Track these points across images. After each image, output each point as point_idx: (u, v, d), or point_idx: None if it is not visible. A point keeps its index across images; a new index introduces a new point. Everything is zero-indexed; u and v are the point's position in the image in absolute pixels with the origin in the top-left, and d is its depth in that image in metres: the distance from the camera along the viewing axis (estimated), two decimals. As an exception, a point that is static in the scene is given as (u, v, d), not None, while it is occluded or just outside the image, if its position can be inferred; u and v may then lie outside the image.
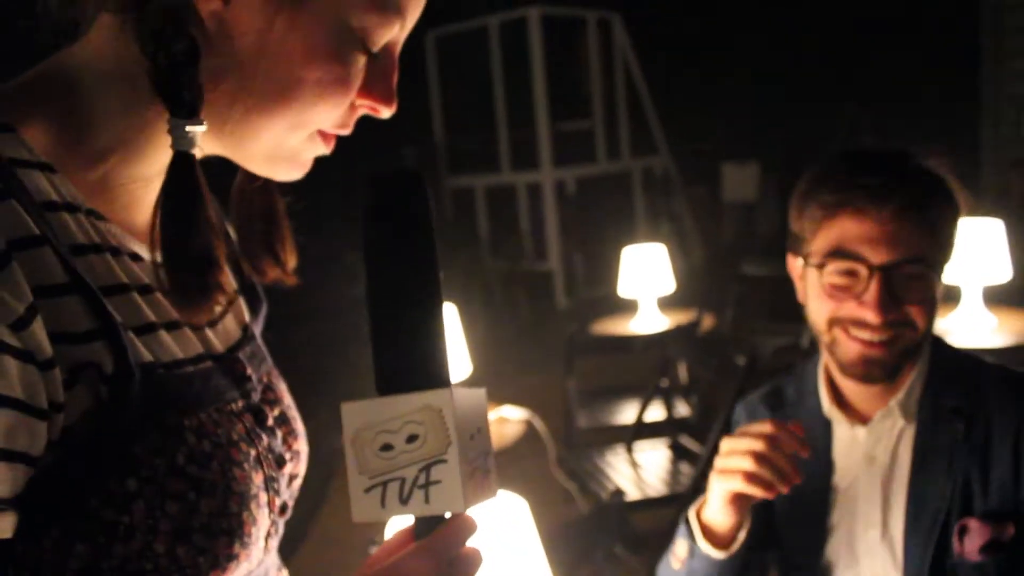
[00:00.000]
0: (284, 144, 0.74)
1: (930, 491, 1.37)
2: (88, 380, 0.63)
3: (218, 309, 0.80)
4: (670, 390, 3.68)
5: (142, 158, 0.72)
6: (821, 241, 1.38)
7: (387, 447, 0.63)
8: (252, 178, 0.83)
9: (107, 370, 0.64)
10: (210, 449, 0.69)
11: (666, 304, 4.47)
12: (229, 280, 0.72)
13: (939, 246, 1.36)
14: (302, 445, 0.87)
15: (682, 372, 3.98)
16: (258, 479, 0.74)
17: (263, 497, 0.75)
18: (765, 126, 9.94)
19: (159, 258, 0.69)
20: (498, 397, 5.64)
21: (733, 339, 4.43)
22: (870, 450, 1.44)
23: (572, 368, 3.82)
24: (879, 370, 1.36)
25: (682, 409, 3.75)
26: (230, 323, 0.84)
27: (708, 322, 4.44)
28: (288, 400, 0.88)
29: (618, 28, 9.18)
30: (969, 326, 3.37)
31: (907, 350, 1.37)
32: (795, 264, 1.46)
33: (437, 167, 9.39)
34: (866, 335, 1.35)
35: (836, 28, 9.29)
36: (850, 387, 1.44)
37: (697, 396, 3.77)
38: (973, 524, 1.32)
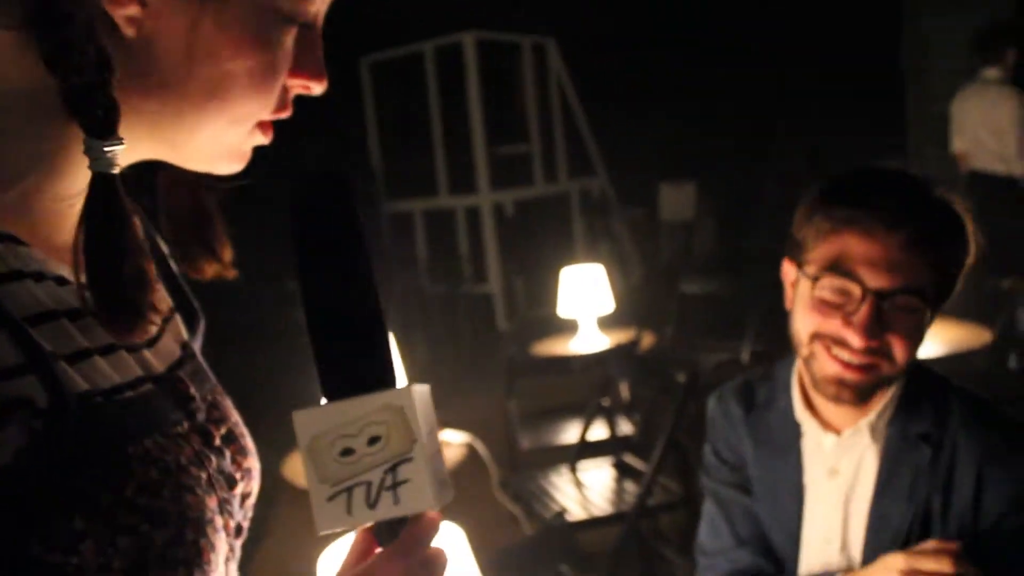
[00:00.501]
0: (223, 141, 0.72)
1: (892, 513, 1.38)
2: (20, 417, 0.59)
3: (153, 328, 0.77)
4: (612, 409, 3.69)
5: (62, 177, 0.70)
6: (821, 253, 1.36)
7: (347, 451, 0.61)
8: (178, 173, 0.80)
9: (40, 404, 0.60)
10: (159, 476, 0.66)
11: (606, 323, 4.48)
12: (162, 298, 0.70)
13: (940, 284, 1.34)
14: (253, 463, 0.84)
15: (624, 391, 3.98)
16: (212, 503, 0.72)
17: (218, 521, 0.72)
18: (700, 146, 10.08)
19: (83, 282, 0.66)
20: (440, 422, 5.60)
21: (673, 357, 4.46)
22: (834, 463, 1.44)
23: (512, 390, 3.81)
24: (850, 393, 1.36)
25: (625, 427, 3.75)
26: (168, 342, 0.81)
27: (648, 340, 4.46)
28: (235, 417, 0.85)
29: (552, 52, 9.24)
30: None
31: (882, 380, 1.36)
32: (789, 270, 1.45)
33: (375, 192, 9.34)
34: (845, 356, 1.34)
35: (767, 49, 9.46)
36: (821, 399, 1.44)
37: (640, 414, 3.78)
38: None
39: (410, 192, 9.14)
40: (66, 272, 0.70)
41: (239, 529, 0.79)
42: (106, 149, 0.64)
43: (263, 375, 5.03)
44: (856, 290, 1.32)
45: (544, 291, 4.81)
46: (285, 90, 0.73)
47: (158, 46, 0.66)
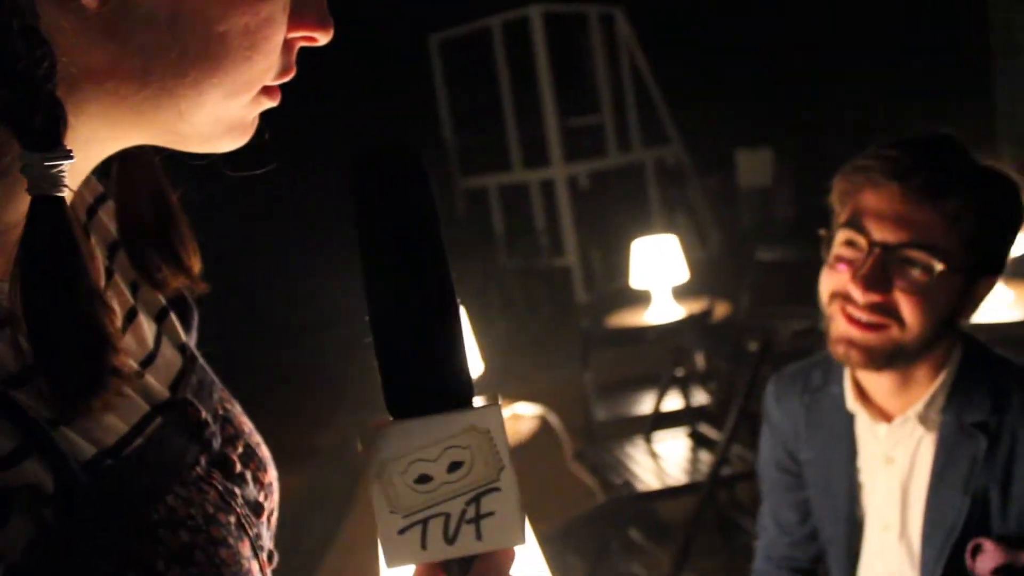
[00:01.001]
0: (224, 115, 0.60)
1: (946, 505, 1.33)
2: (24, 507, 0.51)
3: (122, 392, 0.57)
4: (687, 379, 3.68)
5: (18, 199, 0.56)
6: (842, 213, 1.34)
7: (424, 478, 0.53)
8: (137, 161, 0.67)
9: (47, 490, 0.52)
10: (189, 538, 0.58)
11: (680, 294, 4.46)
12: (127, 359, 0.56)
13: (959, 242, 1.27)
14: (272, 474, 0.76)
15: (699, 361, 3.97)
16: (245, 549, 0.64)
17: (254, 566, 0.65)
18: (778, 110, 9.89)
19: (23, 342, 0.52)
20: (519, 395, 5.65)
21: (748, 325, 4.41)
22: (889, 450, 1.41)
23: (588, 362, 3.82)
24: (859, 354, 1.32)
25: (700, 397, 3.74)
26: (166, 351, 0.70)
27: (722, 309, 4.43)
28: (247, 425, 0.76)
29: (621, 20, 9.16)
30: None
31: (896, 347, 1.31)
32: (826, 239, 1.42)
33: (449, 168, 9.41)
34: (853, 312, 1.30)
35: (847, 8, 9.22)
36: (871, 381, 1.40)
37: (715, 383, 3.76)
38: (988, 545, 1.29)
39: (484, 168, 9.19)
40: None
41: (270, 557, 0.72)
42: (48, 165, 0.51)
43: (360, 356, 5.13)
44: (863, 242, 1.29)
45: (621, 262, 4.82)
46: (288, 47, 0.61)
47: (134, 15, 0.52)
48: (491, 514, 0.53)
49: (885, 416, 1.41)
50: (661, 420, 3.54)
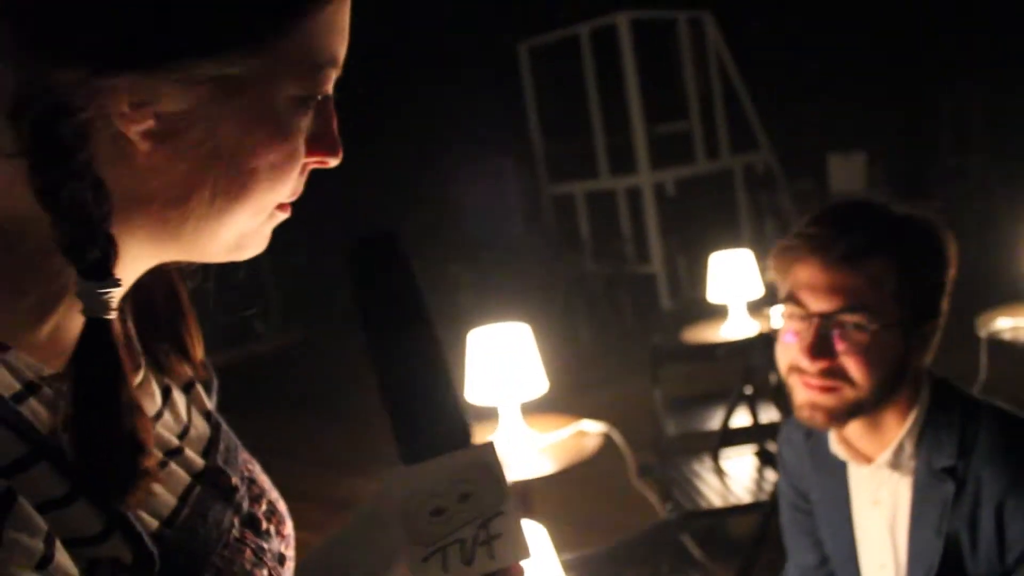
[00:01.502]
0: (244, 232, 0.68)
1: (924, 547, 1.38)
2: None
3: (151, 489, 0.66)
4: (756, 396, 3.67)
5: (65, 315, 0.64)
6: (783, 288, 1.43)
7: (438, 511, 0.61)
8: (156, 270, 0.73)
9: (126, 560, 0.60)
10: None
11: (757, 308, 4.44)
12: (154, 460, 0.64)
13: (888, 298, 1.35)
14: (290, 526, 0.83)
15: (772, 378, 3.96)
16: None
17: None
18: (872, 114, 9.69)
19: (68, 450, 0.59)
20: (597, 402, 5.69)
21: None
22: (875, 493, 1.46)
23: (658, 377, 3.85)
24: (821, 415, 1.38)
25: (770, 415, 3.73)
26: (197, 420, 0.78)
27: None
28: (267, 483, 0.83)
29: (710, 26, 9.10)
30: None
31: (852, 405, 1.37)
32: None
33: (537, 175, 9.49)
34: (807, 379, 1.38)
35: (941, 10, 8.98)
36: (847, 428, 1.46)
37: (784, 401, 3.75)
38: None
39: (571, 174, 9.25)
40: None
41: None
42: (100, 291, 0.59)
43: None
44: (802, 313, 1.36)
45: (706, 270, 4.82)
46: (301, 170, 0.69)
47: (178, 156, 0.61)
48: (500, 535, 0.61)
49: (867, 459, 1.46)
50: (729, 437, 3.55)
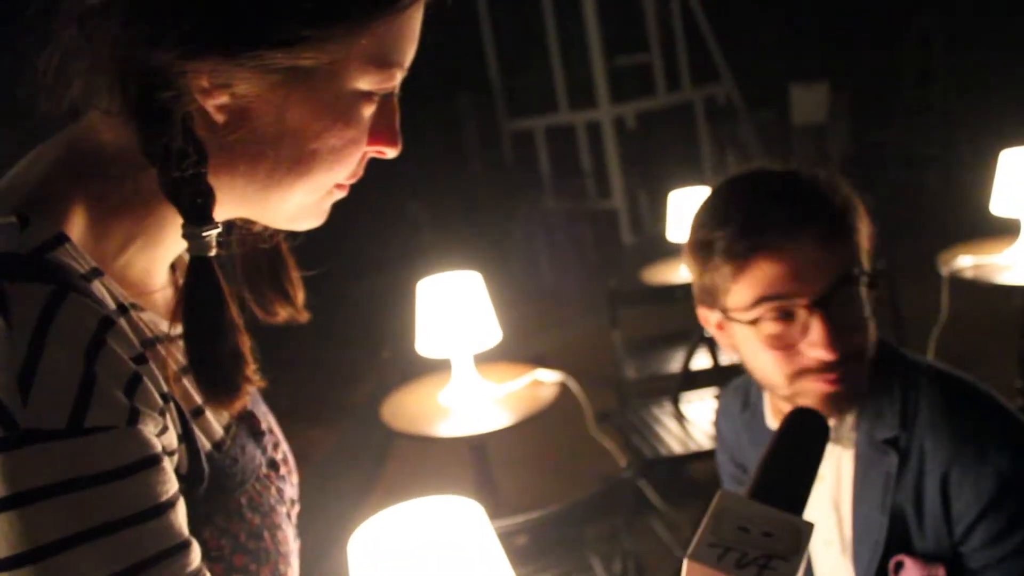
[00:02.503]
0: (305, 205, 0.77)
1: (868, 523, 1.29)
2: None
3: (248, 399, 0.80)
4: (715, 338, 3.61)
5: (159, 244, 0.76)
6: (742, 293, 1.25)
7: (744, 529, 0.75)
8: (252, 222, 0.84)
9: (181, 470, 0.69)
10: (260, 520, 0.77)
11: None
12: (254, 372, 0.76)
13: (861, 260, 1.25)
14: (296, 476, 0.93)
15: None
16: (291, 533, 0.83)
17: (296, 547, 0.84)
18: (834, 44, 9.56)
19: (186, 362, 0.72)
20: (561, 342, 5.62)
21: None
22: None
23: (617, 319, 3.77)
24: (842, 403, 1.28)
25: (732, 356, 3.67)
26: None
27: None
28: (281, 434, 0.94)
29: (670, -47, 8.89)
30: (1026, 260, 3.22)
31: (861, 380, 1.27)
32: (709, 317, 1.35)
33: (495, 110, 9.30)
34: (830, 375, 1.24)
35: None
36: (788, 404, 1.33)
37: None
38: (908, 562, 1.25)
39: (530, 109, 9.07)
40: (169, 328, 0.75)
41: (296, 538, 0.88)
42: (204, 234, 0.69)
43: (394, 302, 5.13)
44: (800, 309, 1.22)
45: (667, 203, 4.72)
46: (361, 157, 0.78)
47: (246, 131, 0.70)
48: (774, 570, 0.72)
49: None
50: (689, 380, 3.49)
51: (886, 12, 9.10)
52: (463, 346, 2.79)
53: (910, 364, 1.32)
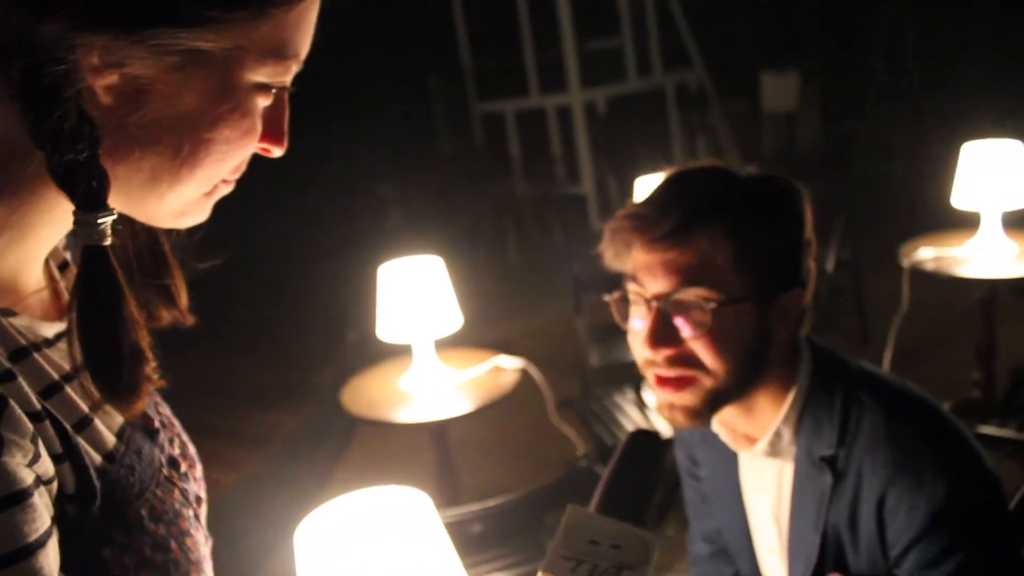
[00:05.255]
0: (189, 200, 0.72)
1: (802, 540, 1.28)
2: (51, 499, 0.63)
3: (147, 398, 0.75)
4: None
5: (30, 238, 0.70)
6: (627, 270, 1.28)
7: (594, 543, 0.80)
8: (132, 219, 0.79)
9: (68, 490, 0.64)
10: (166, 531, 0.71)
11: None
12: (153, 371, 0.70)
13: (728, 270, 1.21)
14: (200, 468, 0.88)
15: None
16: (200, 537, 0.78)
17: (206, 551, 0.80)
18: (804, 31, 9.59)
19: (80, 360, 0.66)
20: (528, 327, 5.61)
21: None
22: (758, 477, 1.36)
23: (581, 305, 3.77)
24: (681, 414, 1.26)
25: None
26: None
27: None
28: (178, 425, 0.88)
29: (643, -62, 8.86)
30: (988, 254, 3.25)
31: (713, 396, 1.24)
32: (616, 303, 1.34)
33: (466, 93, 9.25)
34: (659, 371, 1.25)
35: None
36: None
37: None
38: None
39: (501, 92, 9.02)
40: (46, 330, 0.71)
41: (207, 538, 0.83)
42: (99, 221, 0.64)
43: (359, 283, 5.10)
44: (641, 301, 1.24)
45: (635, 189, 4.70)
46: None
47: (137, 115, 0.65)
48: None
49: (749, 441, 1.34)
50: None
51: (857, 0, 9.14)
52: (424, 331, 2.78)
53: (854, 378, 1.30)
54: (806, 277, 1.27)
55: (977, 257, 3.23)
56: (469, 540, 2.14)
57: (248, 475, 3.89)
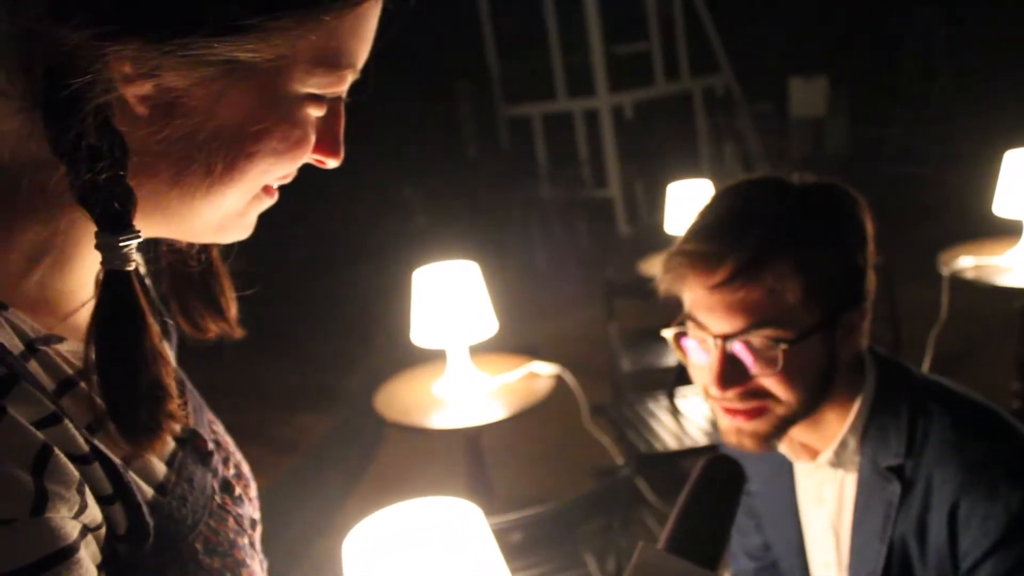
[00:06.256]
0: (230, 212, 0.67)
1: (867, 551, 1.24)
2: (102, 541, 0.59)
3: (170, 438, 0.71)
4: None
5: (77, 259, 0.66)
6: (685, 303, 1.22)
7: None
8: None
9: (119, 531, 0.60)
10: (220, 564, 0.68)
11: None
12: (178, 408, 0.65)
13: (796, 305, 1.15)
14: (254, 488, 0.84)
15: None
16: (255, 565, 0.74)
17: (264, 570, 0.77)
18: (832, 36, 9.53)
19: (96, 395, 0.61)
20: (556, 331, 5.58)
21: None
22: (818, 489, 1.32)
23: (613, 310, 3.75)
24: (751, 440, 1.22)
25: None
26: None
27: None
28: (232, 444, 0.84)
29: (672, -58, 8.82)
30: (1026, 262, 3.19)
31: (783, 421, 1.21)
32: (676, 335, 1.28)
33: (493, 96, 9.24)
34: (727, 404, 1.20)
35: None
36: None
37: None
38: None
39: (528, 96, 9.02)
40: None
41: (262, 563, 0.80)
42: (121, 244, 0.58)
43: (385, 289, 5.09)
44: (707, 339, 1.17)
45: (665, 195, 4.66)
46: None
47: (172, 129, 0.60)
48: None
49: (811, 453, 1.31)
50: (684, 376, 3.45)
51: (887, 6, 9.06)
52: (459, 337, 2.75)
53: (921, 387, 1.25)
54: (870, 289, 1.24)
55: (1018, 266, 3.18)
56: (507, 548, 2.12)
57: (277, 480, 3.88)
